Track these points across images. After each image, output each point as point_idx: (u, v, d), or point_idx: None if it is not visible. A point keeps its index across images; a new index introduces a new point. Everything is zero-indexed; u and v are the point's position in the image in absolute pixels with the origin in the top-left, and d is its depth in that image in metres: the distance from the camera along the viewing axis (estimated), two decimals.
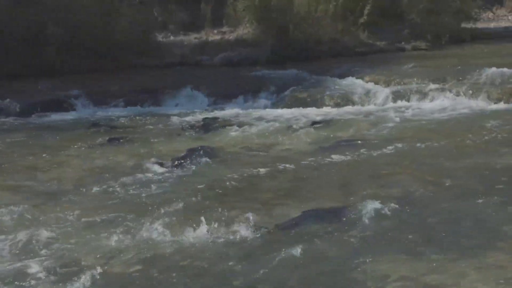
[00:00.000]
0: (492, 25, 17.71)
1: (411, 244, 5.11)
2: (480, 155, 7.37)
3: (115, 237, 5.45)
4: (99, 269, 4.90)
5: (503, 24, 17.82)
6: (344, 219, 5.64)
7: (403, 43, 15.29)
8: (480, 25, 17.40)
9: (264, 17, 14.65)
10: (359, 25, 14.84)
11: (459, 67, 11.87)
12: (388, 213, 5.68)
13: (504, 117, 9.08)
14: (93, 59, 13.68)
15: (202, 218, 5.59)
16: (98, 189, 6.78)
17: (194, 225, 5.50)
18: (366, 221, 5.54)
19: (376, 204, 5.76)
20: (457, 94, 10.63)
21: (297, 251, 5.04)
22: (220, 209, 5.97)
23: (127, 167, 7.49)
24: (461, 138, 8.13)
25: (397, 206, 5.84)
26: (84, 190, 6.77)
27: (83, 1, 14.36)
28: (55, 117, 10.82)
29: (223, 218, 5.73)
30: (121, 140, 8.82)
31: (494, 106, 10.08)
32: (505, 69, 11.21)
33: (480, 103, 10.28)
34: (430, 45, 15.16)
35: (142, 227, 5.61)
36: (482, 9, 18.30)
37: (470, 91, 10.63)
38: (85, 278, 4.77)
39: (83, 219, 5.93)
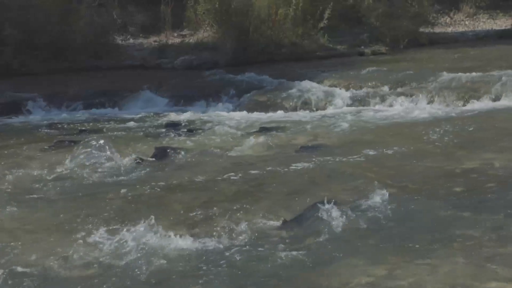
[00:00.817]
0: (449, 29, 17.94)
1: (369, 248, 5.14)
2: (438, 159, 7.48)
3: (71, 240, 5.41)
4: (55, 274, 4.86)
5: (460, 28, 18.06)
6: (302, 224, 5.65)
7: (362, 47, 15.41)
8: (437, 29, 17.63)
9: (224, 21, 14.67)
10: (319, 29, 14.94)
11: (418, 71, 12.02)
12: (346, 217, 5.71)
13: (461, 121, 9.23)
14: (51, 61, 13.56)
15: (162, 221, 5.59)
16: (54, 192, 6.72)
17: (152, 228, 5.48)
18: (325, 225, 5.55)
19: (334, 208, 5.80)
20: (416, 98, 10.78)
21: (254, 257, 5.04)
22: (177, 214, 5.98)
23: (85, 170, 7.42)
24: (420, 142, 8.24)
25: (355, 209, 5.87)
26: (39, 193, 6.69)
27: (40, 2, 14.23)
28: (12, 120, 10.70)
29: (180, 223, 5.73)
30: (79, 143, 8.73)
31: (451, 110, 10.24)
32: (462, 74, 11.40)
33: (438, 107, 10.45)
34: (389, 49, 15.32)
35: (97, 230, 5.58)
36: (440, 14, 18.57)
37: (428, 95, 10.80)
38: (39, 282, 4.72)
39: (37, 221, 5.88)
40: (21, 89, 11.88)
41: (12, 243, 5.46)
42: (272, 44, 14.50)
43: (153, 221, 5.53)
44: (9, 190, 6.82)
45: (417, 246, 5.13)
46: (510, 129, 8.71)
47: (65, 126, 10.06)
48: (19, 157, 8.21)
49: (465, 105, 10.42)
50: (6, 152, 8.50)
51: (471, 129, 8.82)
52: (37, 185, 6.97)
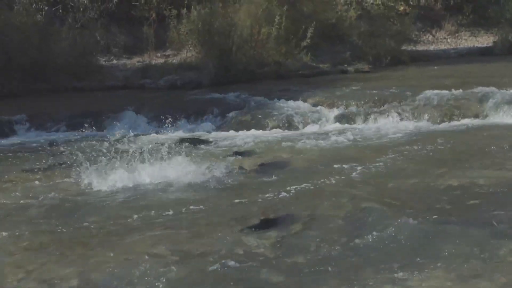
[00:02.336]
0: (432, 47, 18.17)
1: (349, 268, 5.15)
2: (421, 176, 7.54)
3: (56, 265, 5.43)
4: None
5: (442, 46, 18.30)
6: (283, 243, 5.67)
7: (345, 65, 15.57)
8: (420, 47, 17.87)
9: (207, 40, 14.76)
10: (302, 48, 15.06)
11: (401, 88, 12.14)
12: (328, 234, 5.76)
13: (445, 138, 9.31)
14: (32, 82, 13.54)
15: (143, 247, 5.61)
16: (38, 215, 6.69)
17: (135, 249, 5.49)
18: (307, 244, 5.59)
19: (316, 226, 5.82)
20: (399, 116, 10.89)
21: (239, 277, 5.07)
22: (155, 235, 6.00)
23: (70, 193, 7.41)
24: (404, 159, 8.30)
25: (337, 227, 5.93)
26: (23, 217, 6.65)
27: (21, 24, 14.25)
28: None
29: (153, 250, 5.75)
30: (63, 165, 8.72)
31: (435, 127, 10.35)
32: (445, 91, 11.53)
33: (422, 124, 10.55)
34: (371, 67, 15.47)
35: (83, 256, 5.59)
36: (422, 32, 18.80)
37: (411, 113, 10.91)
38: None
39: (19, 247, 5.85)
40: (3, 111, 11.83)
41: None
42: (255, 63, 14.60)
43: (135, 240, 5.55)
44: None
45: (400, 263, 5.16)
46: (494, 146, 8.78)
47: (48, 148, 10.02)
48: (2, 180, 8.16)
49: (449, 122, 10.53)
50: None
51: (455, 146, 8.91)
52: (20, 209, 6.91)
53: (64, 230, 6.27)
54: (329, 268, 5.16)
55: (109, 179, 7.81)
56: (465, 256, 5.23)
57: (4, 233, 6.20)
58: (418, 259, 5.21)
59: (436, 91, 11.54)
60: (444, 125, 10.42)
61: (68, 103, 12.66)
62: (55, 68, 13.94)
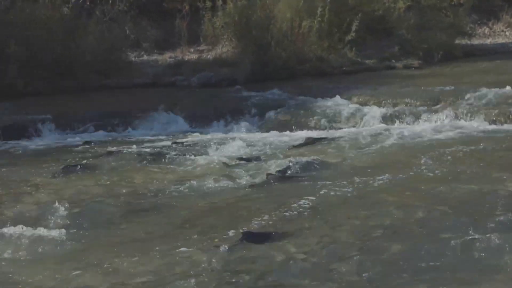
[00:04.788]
0: (488, 41, 17.96)
1: (402, 281, 5.13)
2: (477, 180, 7.47)
3: (86, 274, 5.50)
4: None
5: (500, 40, 18.07)
6: (323, 253, 5.68)
7: (393, 60, 15.47)
8: (475, 41, 17.67)
9: (244, 35, 14.78)
10: (346, 42, 15.00)
11: (454, 86, 12.04)
12: (376, 245, 5.74)
13: (502, 139, 9.22)
14: (58, 80, 13.67)
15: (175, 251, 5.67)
16: (66, 222, 6.76)
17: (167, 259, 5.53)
18: (353, 255, 5.58)
19: (360, 236, 5.80)
20: (452, 115, 10.78)
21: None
22: (183, 241, 6.06)
23: (99, 198, 7.47)
24: (457, 162, 8.24)
25: (386, 237, 5.91)
26: (50, 224, 6.73)
27: (47, 18, 14.41)
28: (18, 144, 10.74)
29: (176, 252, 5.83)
30: (91, 169, 8.78)
31: (491, 128, 10.23)
32: (502, 89, 11.40)
33: (477, 125, 10.43)
34: (422, 62, 15.35)
35: (111, 264, 5.66)
36: (478, 24, 18.59)
37: (466, 112, 10.79)
38: None
39: (45, 256, 5.96)
40: (27, 110, 11.97)
41: (14, 275, 5.56)
42: (295, 59, 14.57)
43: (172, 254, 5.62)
44: (14, 221, 6.84)
45: (455, 277, 5.14)
46: None
47: (76, 150, 10.09)
48: (26, 184, 8.22)
49: (508, 123, 10.39)
50: (11, 179, 8.55)
51: None
52: (47, 216, 6.97)
53: (95, 234, 6.35)
54: (378, 282, 5.14)
55: (144, 184, 7.87)
56: None
57: (24, 243, 6.26)
58: (476, 272, 5.17)
59: (493, 89, 11.41)
60: (502, 126, 10.29)
61: (96, 102, 12.79)
62: (82, 65, 14.04)
